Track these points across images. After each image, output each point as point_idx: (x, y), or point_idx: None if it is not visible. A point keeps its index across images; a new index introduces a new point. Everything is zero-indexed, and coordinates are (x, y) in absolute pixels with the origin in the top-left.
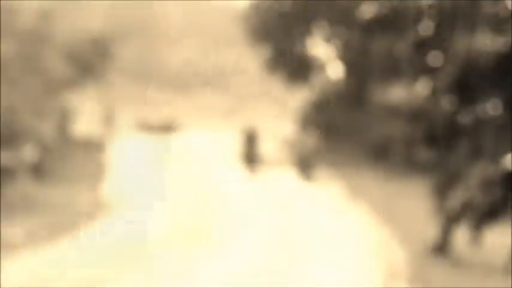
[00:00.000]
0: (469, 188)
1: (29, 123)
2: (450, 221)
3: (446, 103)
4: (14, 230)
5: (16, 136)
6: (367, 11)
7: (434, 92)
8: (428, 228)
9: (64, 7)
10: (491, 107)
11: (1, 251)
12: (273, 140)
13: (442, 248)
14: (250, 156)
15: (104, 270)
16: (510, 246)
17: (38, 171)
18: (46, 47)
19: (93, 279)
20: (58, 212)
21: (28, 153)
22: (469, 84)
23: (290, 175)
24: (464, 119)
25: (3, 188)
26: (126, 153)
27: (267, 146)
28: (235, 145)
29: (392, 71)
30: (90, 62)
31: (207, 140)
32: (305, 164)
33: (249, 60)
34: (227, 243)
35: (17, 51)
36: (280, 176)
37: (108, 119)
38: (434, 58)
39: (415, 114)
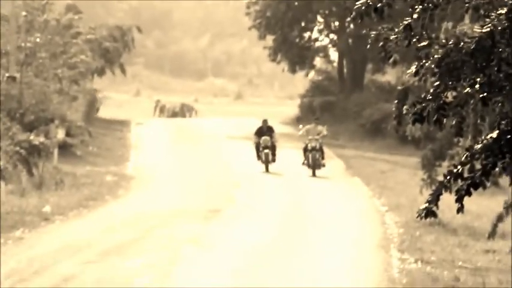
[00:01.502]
0: (455, 160)
1: (60, 107)
2: (438, 190)
3: (433, 83)
4: (46, 203)
5: (48, 119)
6: (361, 2)
7: (422, 73)
8: (419, 197)
9: (90, 2)
10: (475, 85)
11: (36, 222)
12: (279, 123)
13: (431, 214)
14: (264, 146)
15: (128, 237)
16: (494, 213)
17: (68, 149)
18: (74, 40)
19: (119, 245)
20: (86, 186)
21: (59, 133)
22: (454, 65)
23: (298, 159)
24: (450, 96)
25: (35, 166)
26: (146, 134)
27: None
28: (246, 128)
29: (385, 55)
30: (114, 53)
31: (220, 124)
32: (315, 153)
33: (256, 49)
34: (242, 214)
35: (46, 44)
36: (288, 160)
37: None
38: (422, 42)
39: (405, 94)
